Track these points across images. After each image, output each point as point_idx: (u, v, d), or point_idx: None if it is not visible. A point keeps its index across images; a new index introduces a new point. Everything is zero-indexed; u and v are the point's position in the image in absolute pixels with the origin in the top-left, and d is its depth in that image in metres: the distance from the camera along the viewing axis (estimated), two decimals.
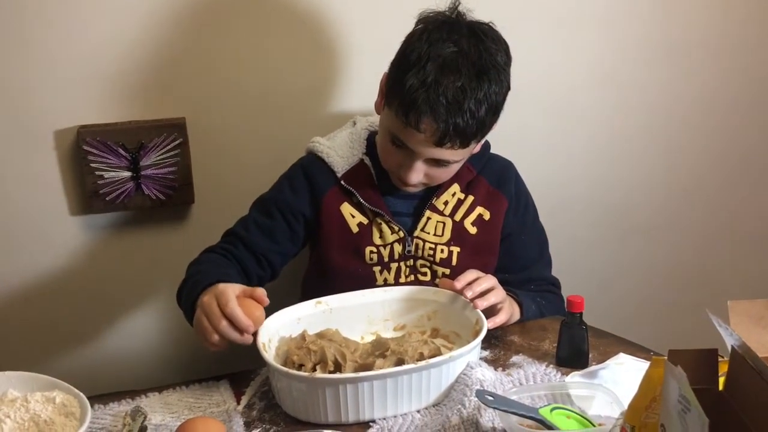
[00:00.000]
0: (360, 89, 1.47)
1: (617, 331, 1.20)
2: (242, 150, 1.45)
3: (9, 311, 1.40)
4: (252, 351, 1.06)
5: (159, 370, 1.50)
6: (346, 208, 1.24)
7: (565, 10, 1.56)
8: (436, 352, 1.03)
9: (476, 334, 1.03)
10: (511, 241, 1.29)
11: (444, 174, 1.19)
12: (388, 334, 1.14)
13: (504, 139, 1.31)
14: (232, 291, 0.99)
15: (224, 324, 0.97)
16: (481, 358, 1.07)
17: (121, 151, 1.36)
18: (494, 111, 1.13)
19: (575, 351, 1.07)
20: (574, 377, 1.04)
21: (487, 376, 1.00)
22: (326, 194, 1.24)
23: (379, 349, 1.05)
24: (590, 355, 1.08)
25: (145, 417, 0.98)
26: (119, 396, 1.04)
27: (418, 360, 1.01)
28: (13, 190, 1.36)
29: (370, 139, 1.28)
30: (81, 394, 0.92)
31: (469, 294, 1.08)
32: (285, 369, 0.97)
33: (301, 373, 0.97)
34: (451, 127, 1.08)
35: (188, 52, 1.38)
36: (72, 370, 1.30)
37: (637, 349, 1.12)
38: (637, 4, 1.60)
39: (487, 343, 1.12)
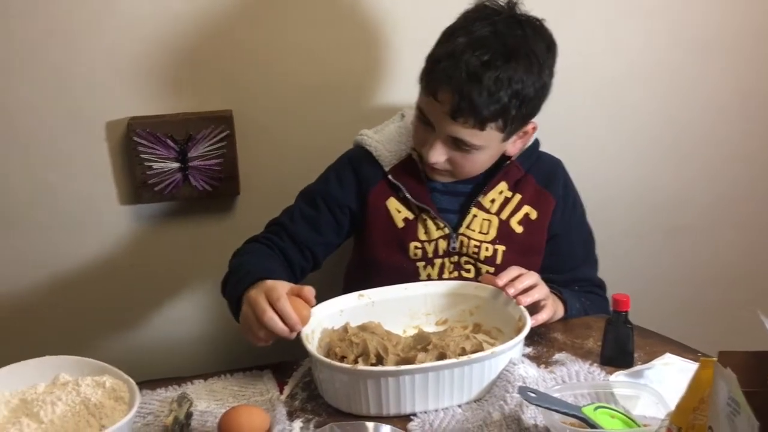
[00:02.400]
0: (407, 81, 1.43)
1: (662, 330, 1.18)
2: (287, 142, 1.47)
3: (60, 297, 1.45)
4: (295, 342, 1.07)
5: (203, 358, 1.53)
6: (393, 203, 1.24)
7: (612, 2, 1.53)
8: (478, 348, 1.03)
9: (519, 330, 1.03)
10: (558, 241, 1.27)
11: (467, 163, 1.17)
12: (429, 328, 1.14)
13: (550, 134, 1.29)
14: (281, 288, 0.99)
15: (273, 319, 0.97)
16: (523, 355, 1.07)
17: (170, 143, 1.39)
18: (520, 101, 1.09)
19: (620, 350, 1.05)
20: (619, 376, 1.02)
21: (530, 373, 0.99)
22: (373, 188, 1.24)
23: (421, 343, 1.05)
24: (635, 355, 1.07)
25: (191, 403, 1.00)
26: (166, 382, 1.06)
27: (459, 355, 1.00)
28: (66, 180, 1.40)
29: None
30: (130, 379, 0.94)
31: (512, 291, 1.07)
32: (328, 360, 0.97)
33: (344, 365, 0.97)
34: (466, 100, 1.07)
35: (236, 45, 1.39)
36: (119, 356, 1.31)
37: (683, 350, 1.10)
38: None
39: (529, 340, 1.12)
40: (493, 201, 1.24)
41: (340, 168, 1.28)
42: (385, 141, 1.27)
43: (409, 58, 1.44)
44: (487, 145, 1.14)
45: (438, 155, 1.15)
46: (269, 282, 1.01)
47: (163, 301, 1.50)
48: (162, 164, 1.40)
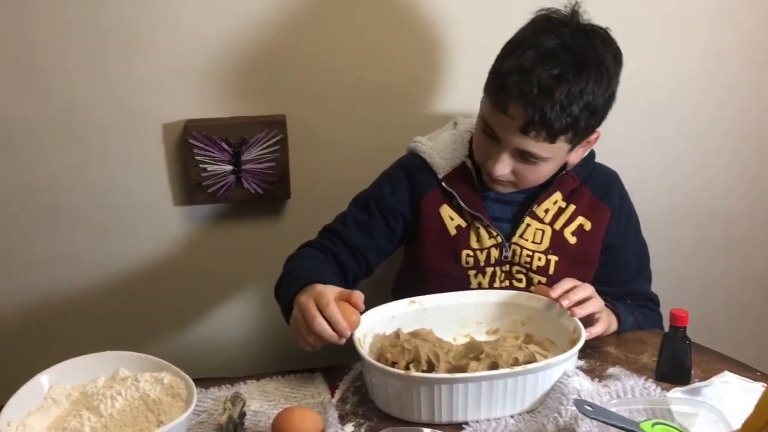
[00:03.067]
0: (461, 90, 1.47)
1: (717, 346, 1.15)
2: (339, 147, 1.48)
3: (116, 294, 1.48)
4: (346, 346, 1.07)
5: (254, 358, 1.55)
6: (446, 210, 1.24)
7: (670, 10, 1.50)
8: (531, 359, 1.02)
9: (573, 342, 1.02)
10: (612, 253, 1.25)
11: (532, 174, 1.16)
12: (480, 337, 1.13)
13: (605, 146, 1.28)
14: (330, 293, 1.00)
15: (323, 325, 0.97)
16: (577, 368, 1.05)
17: (224, 146, 1.41)
18: (590, 112, 1.09)
19: (677, 366, 1.03)
20: (676, 393, 1.00)
21: (585, 386, 0.98)
22: (426, 195, 1.25)
23: (473, 351, 1.05)
24: (692, 372, 1.05)
25: (244, 403, 1.01)
26: (219, 381, 1.08)
27: (512, 365, 1.00)
28: (123, 180, 1.43)
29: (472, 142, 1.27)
30: (187, 376, 0.95)
31: (566, 303, 1.06)
32: (381, 365, 0.98)
33: (398, 370, 0.97)
34: (538, 115, 1.06)
35: (291, 51, 1.41)
36: (172, 354, 1.34)
37: (741, 368, 1.08)
38: (745, 2, 1.54)
39: (582, 353, 1.10)
40: (547, 211, 1.23)
41: (393, 174, 1.29)
42: (439, 148, 1.27)
43: (464, 66, 1.45)
44: (555, 156, 1.14)
45: (503, 168, 1.15)
46: (319, 287, 1.02)
47: (213, 302, 1.53)
48: (216, 167, 1.43)
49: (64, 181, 1.42)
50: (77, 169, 1.41)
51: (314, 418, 0.94)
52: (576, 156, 1.20)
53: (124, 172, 1.43)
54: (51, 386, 0.95)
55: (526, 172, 1.16)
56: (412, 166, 1.27)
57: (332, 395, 1.05)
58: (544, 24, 1.11)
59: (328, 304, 0.98)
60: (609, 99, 1.12)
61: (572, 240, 1.23)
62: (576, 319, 1.05)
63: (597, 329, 1.08)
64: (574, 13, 1.12)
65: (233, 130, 1.42)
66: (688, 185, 1.63)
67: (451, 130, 1.31)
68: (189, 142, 1.40)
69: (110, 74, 1.37)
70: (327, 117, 1.47)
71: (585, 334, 1.02)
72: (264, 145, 1.43)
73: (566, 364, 1.00)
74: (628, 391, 1.02)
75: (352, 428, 0.97)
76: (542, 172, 1.17)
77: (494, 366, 1.01)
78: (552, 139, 1.09)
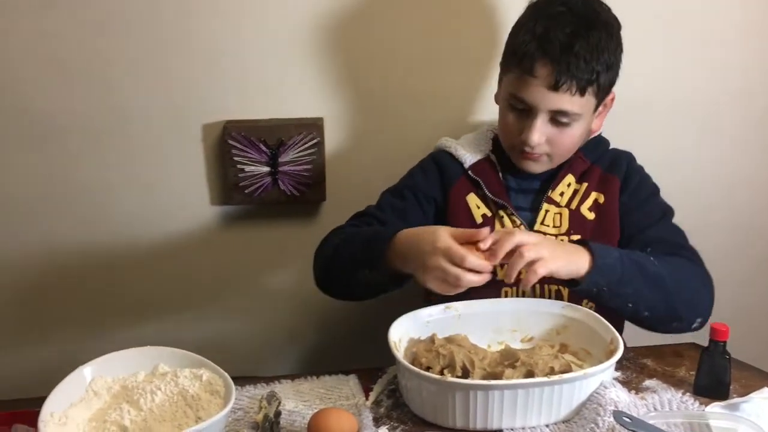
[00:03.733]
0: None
1: (757, 362, 1.14)
2: (375, 152, 1.49)
3: (151, 290, 1.50)
4: (379, 349, 1.08)
5: (288, 359, 1.56)
6: (473, 199, 1.27)
7: (708, 25, 1.50)
8: (567, 368, 1.02)
9: (610, 353, 1.01)
10: (630, 219, 1.25)
11: (566, 139, 1.19)
12: (515, 344, 1.13)
13: (648, 159, 1.29)
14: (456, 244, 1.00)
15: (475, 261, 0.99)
16: (613, 379, 1.05)
17: (262, 147, 1.43)
18: (607, 66, 1.15)
19: (716, 381, 1.02)
20: (715, 408, 0.99)
21: (622, 398, 0.97)
22: (454, 183, 1.28)
23: (509, 359, 1.05)
24: (731, 387, 1.03)
25: (280, 402, 1.02)
26: (254, 380, 1.09)
27: (547, 374, 1.00)
28: (162, 177, 1.45)
29: (495, 140, 1.31)
30: (225, 374, 0.96)
31: (493, 261, 1.01)
32: (417, 369, 0.98)
33: (433, 375, 0.98)
34: (564, 67, 1.12)
35: (329, 54, 1.42)
36: (207, 351, 1.37)
37: None
38: None
39: (618, 365, 1.09)
40: (562, 194, 1.26)
41: (424, 164, 1.33)
42: (463, 144, 1.33)
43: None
44: (585, 113, 1.18)
45: (540, 136, 1.18)
46: (442, 233, 1.02)
47: (246, 301, 1.54)
48: (253, 167, 1.44)
49: (105, 175, 1.44)
50: (121, 166, 1.43)
51: (350, 419, 0.94)
52: (599, 122, 1.25)
53: (164, 170, 1.45)
54: (93, 379, 0.97)
55: (560, 137, 1.19)
56: (440, 157, 1.32)
57: (366, 397, 1.05)
58: (541, 2, 1.20)
59: (465, 257, 0.99)
60: (618, 55, 1.18)
61: (590, 216, 1.25)
62: (613, 329, 1.05)
63: (533, 277, 1.00)
64: None
65: (271, 131, 1.43)
66: (728, 200, 1.61)
67: (475, 132, 1.36)
68: (228, 143, 1.42)
69: (154, 74, 1.39)
70: (363, 121, 1.48)
71: (623, 346, 1.01)
72: (301, 148, 1.45)
73: (603, 374, 0.99)
74: (665, 404, 1.01)
75: (386, 431, 0.98)
76: (575, 135, 1.20)
77: (530, 374, 1.01)
78: (582, 91, 1.14)
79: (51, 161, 1.41)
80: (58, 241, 1.45)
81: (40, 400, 0.92)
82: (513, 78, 1.18)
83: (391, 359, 1.02)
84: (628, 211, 1.25)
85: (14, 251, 1.44)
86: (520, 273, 1.01)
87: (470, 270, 0.98)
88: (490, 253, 1.01)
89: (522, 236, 1.02)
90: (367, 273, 1.10)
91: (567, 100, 1.15)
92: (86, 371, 0.97)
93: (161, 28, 1.37)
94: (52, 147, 1.40)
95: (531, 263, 1.00)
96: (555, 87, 1.13)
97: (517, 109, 1.19)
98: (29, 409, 0.97)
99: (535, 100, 1.16)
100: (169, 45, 1.38)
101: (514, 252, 1.01)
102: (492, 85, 1.45)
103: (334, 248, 1.19)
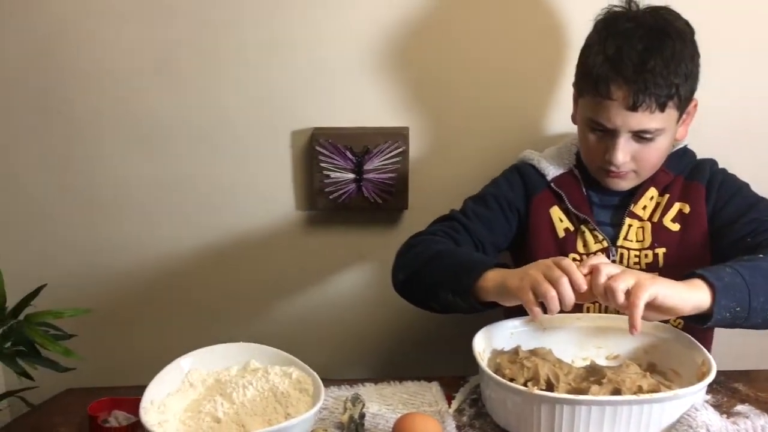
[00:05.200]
0: None
1: None
2: (458, 162, 1.50)
3: (235, 287, 1.56)
4: (462, 357, 1.09)
5: (369, 363, 1.58)
6: (556, 212, 1.26)
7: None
8: (655, 388, 1.00)
9: (702, 376, 0.99)
10: (720, 218, 1.21)
11: (652, 153, 1.17)
12: (600, 361, 1.12)
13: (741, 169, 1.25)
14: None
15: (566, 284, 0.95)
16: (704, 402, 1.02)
17: (349, 154, 1.46)
18: (685, 75, 1.12)
19: None
20: None
21: (714, 421, 0.95)
22: (537, 195, 1.28)
23: (595, 375, 1.04)
24: None
25: (364, 404, 1.04)
26: (337, 382, 1.11)
27: (635, 393, 0.98)
28: (250, 182, 1.50)
29: (579, 154, 1.29)
30: (314, 373, 0.99)
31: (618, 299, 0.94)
32: (502, 380, 0.98)
33: (520, 386, 0.97)
34: (642, 86, 1.10)
35: (416, 65, 1.44)
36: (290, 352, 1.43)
37: None
38: None
39: (707, 388, 1.06)
40: (644, 208, 1.24)
41: (508, 174, 1.33)
42: (546, 156, 1.32)
43: None
44: (668, 126, 1.16)
45: (624, 155, 1.16)
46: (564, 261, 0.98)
47: (324, 304, 1.57)
48: (339, 174, 1.47)
49: (203, 179, 1.50)
50: (214, 168, 1.49)
51: (435, 425, 0.95)
52: (683, 130, 1.22)
53: (251, 174, 1.50)
54: (189, 370, 1.01)
55: (646, 153, 1.17)
56: (524, 168, 1.32)
57: (449, 405, 1.06)
58: (608, 19, 1.18)
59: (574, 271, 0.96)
60: (696, 62, 1.15)
61: (674, 227, 1.22)
62: (705, 350, 1.02)
63: (637, 299, 0.93)
64: (632, 2, 1.19)
65: (358, 139, 1.46)
66: None
67: (558, 145, 1.35)
68: (315, 149, 1.46)
69: (246, 80, 1.44)
70: (448, 132, 1.49)
71: (715, 369, 0.99)
72: (386, 156, 1.47)
73: (695, 396, 0.97)
74: (758, 430, 0.98)
75: None
76: (661, 148, 1.18)
77: (616, 392, 0.99)
78: (662, 107, 1.12)
79: (152, 161, 1.48)
80: (147, 241, 1.52)
81: (136, 388, 0.97)
82: (589, 102, 1.17)
83: (472, 368, 1.03)
84: (716, 212, 1.22)
85: (119, 248, 1.52)
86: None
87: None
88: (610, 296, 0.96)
89: (612, 267, 0.97)
90: (450, 297, 1.09)
91: (647, 118, 1.12)
92: (184, 363, 1.01)
93: (255, 38, 1.42)
94: (153, 148, 1.47)
95: (629, 291, 0.94)
96: (633, 107, 1.11)
97: (598, 131, 1.18)
98: (127, 397, 1.02)
99: (615, 123, 1.14)
100: (261, 54, 1.43)
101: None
102: (568, 100, 1.45)
103: (420, 263, 1.15)
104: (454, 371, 1.15)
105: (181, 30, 1.41)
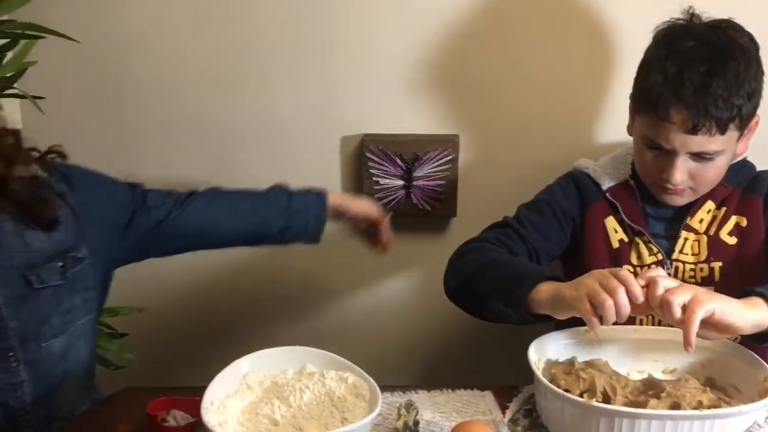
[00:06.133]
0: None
1: None
2: (507, 171, 1.50)
3: (282, 291, 1.57)
4: (515, 367, 1.08)
5: (406, 370, 1.58)
6: (611, 222, 1.25)
7: None
8: (716, 404, 0.98)
9: (766, 392, 0.97)
10: None
11: (711, 171, 1.15)
12: (656, 375, 1.10)
13: None
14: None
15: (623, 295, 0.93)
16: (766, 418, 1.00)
17: (398, 161, 1.47)
18: (748, 95, 1.10)
19: None
20: None
21: None
22: (592, 205, 1.26)
23: (653, 389, 1.02)
24: None
25: (417, 411, 1.04)
26: (391, 388, 1.11)
27: (696, 408, 0.97)
28: (299, 185, 1.51)
29: (634, 165, 1.27)
30: (371, 379, 0.99)
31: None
32: (560, 391, 0.97)
33: (579, 398, 0.97)
34: (702, 112, 1.08)
35: (467, 73, 1.45)
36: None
37: None
38: None
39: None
40: (701, 221, 1.22)
41: (563, 182, 1.31)
42: (601, 166, 1.31)
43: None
44: (728, 147, 1.14)
45: (681, 174, 1.15)
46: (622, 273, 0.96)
47: (373, 311, 1.58)
48: (388, 180, 1.48)
49: (247, 183, 1.51)
50: (267, 171, 1.49)
51: None
52: (744, 145, 1.19)
53: (302, 178, 1.50)
54: (247, 373, 1.02)
55: (703, 172, 1.16)
56: (579, 177, 1.30)
57: (503, 414, 1.06)
58: (669, 35, 1.15)
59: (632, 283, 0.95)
60: (760, 79, 1.13)
61: (731, 241, 1.20)
62: (767, 366, 1.00)
63: (693, 314, 0.91)
64: (694, 15, 1.15)
65: (407, 146, 1.47)
66: None
67: (613, 154, 1.33)
68: (365, 155, 1.47)
69: (298, 87, 1.47)
70: (498, 140, 1.49)
71: None
72: (435, 163, 1.47)
73: (758, 413, 0.95)
74: None
75: None
76: (719, 167, 1.16)
77: (675, 406, 0.98)
78: (722, 130, 1.10)
79: (206, 166, 1.50)
80: None
81: (192, 389, 0.98)
82: (647, 121, 1.15)
83: (523, 378, 1.02)
84: None
85: None
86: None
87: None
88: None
89: (669, 280, 0.97)
90: (502, 307, 1.08)
91: (707, 141, 1.10)
92: (242, 365, 1.02)
93: (307, 46, 1.44)
94: (206, 154, 1.50)
95: (685, 306, 0.93)
96: (693, 131, 1.09)
97: (654, 149, 1.16)
98: (184, 397, 1.03)
99: (673, 145, 1.12)
100: (313, 61, 1.45)
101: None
102: (618, 108, 1.44)
103: (473, 271, 1.15)
104: (504, 380, 1.14)
105: (235, 38, 1.44)
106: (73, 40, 1.22)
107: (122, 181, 1.17)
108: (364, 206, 1.31)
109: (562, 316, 1.03)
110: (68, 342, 1.06)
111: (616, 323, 0.96)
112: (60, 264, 1.03)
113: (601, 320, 0.95)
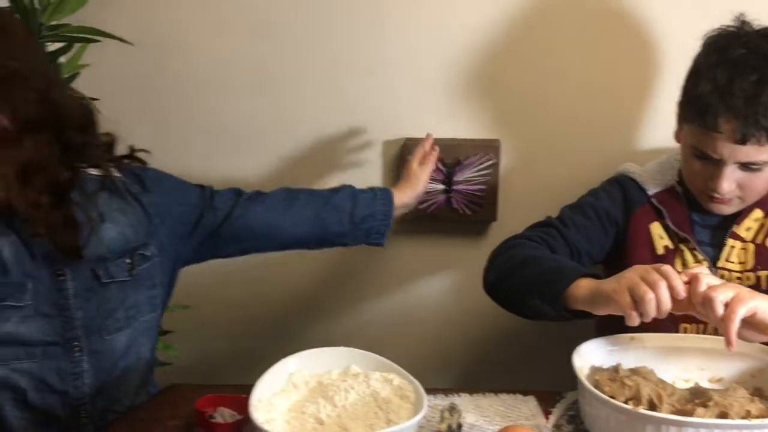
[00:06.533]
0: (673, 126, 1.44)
1: None
2: (548, 177, 1.50)
3: (320, 292, 1.59)
4: (559, 373, 1.08)
5: (440, 374, 1.58)
6: (656, 228, 1.24)
7: None
8: (764, 414, 0.97)
9: None
10: None
11: (757, 182, 1.14)
12: (702, 384, 1.09)
13: None
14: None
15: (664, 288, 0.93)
16: None
17: (439, 165, 1.47)
18: None
19: None
20: None
21: None
22: (638, 210, 1.25)
23: (699, 397, 1.01)
24: None
25: (460, 414, 1.04)
26: (434, 391, 1.11)
27: (744, 418, 0.95)
28: None
29: (681, 171, 1.26)
30: (416, 381, 0.99)
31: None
32: (607, 398, 0.97)
33: (626, 405, 0.96)
34: (752, 122, 1.06)
35: (508, 79, 1.46)
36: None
37: None
38: None
39: None
40: (748, 229, 1.21)
41: (608, 186, 1.30)
42: (647, 171, 1.29)
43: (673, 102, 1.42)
44: None
45: (729, 184, 1.14)
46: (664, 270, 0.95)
47: (411, 314, 1.58)
48: (429, 184, 1.48)
49: (289, 184, 1.53)
50: (309, 176, 1.52)
51: None
52: None
53: (342, 182, 1.52)
54: (293, 372, 1.03)
55: (751, 182, 1.14)
56: (625, 181, 1.29)
57: (546, 420, 1.05)
58: (719, 42, 1.13)
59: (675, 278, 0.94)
60: None
61: None
62: None
63: (734, 314, 0.90)
64: (744, 23, 1.13)
65: (449, 151, 1.47)
66: None
67: (659, 160, 1.32)
68: (407, 159, 1.47)
69: (341, 91, 1.48)
70: (539, 146, 1.49)
71: None
72: (476, 168, 1.48)
73: None
74: None
75: None
76: (767, 176, 1.15)
77: (723, 416, 0.96)
78: None
79: (251, 167, 1.53)
80: None
81: (239, 387, 1.00)
82: (695, 130, 1.14)
83: (565, 384, 1.02)
84: None
85: None
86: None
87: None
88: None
89: (713, 278, 0.96)
90: (538, 302, 1.08)
91: (756, 151, 1.09)
92: (289, 364, 1.03)
93: (351, 51, 1.46)
94: (248, 155, 1.52)
95: (727, 304, 0.93)
96: (742, 141, 1.08)
97: (701, 158, 1.15)
98: (230, 394, 1.05)
99: (721, 155, 1.11)
100: (357, 66, 1.47)
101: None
102: (661, 114, 1.43)
103: (512, 266, 1.15)
104: (543, 386, 1.14)
105: (283, 44, 1.46)
106: (128, 42, 1.25)
107: (192, 183, 1.21)
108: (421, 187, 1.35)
109: (600, 312, 1.02)
110: (131, 337, 1.10)
111: (656, 321, 0.95)
112: (128, 261, 1.07)
113: (641, 315, 0.94)
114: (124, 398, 1.11)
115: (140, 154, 1.15)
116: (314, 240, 1.28)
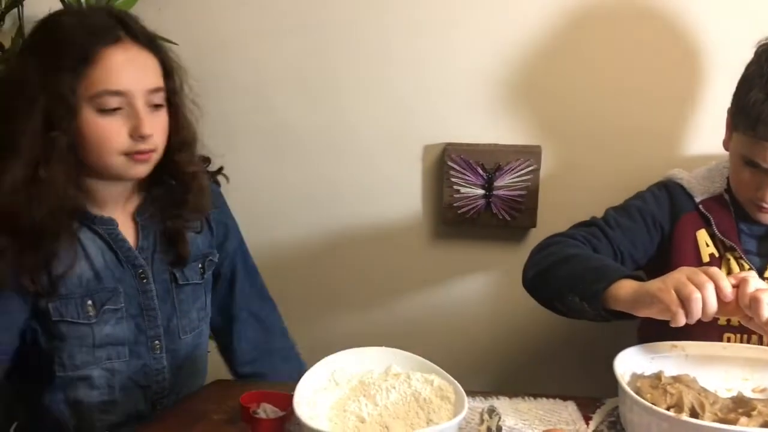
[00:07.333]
0: (717, 134, 1.42)
1: None
2: (589, 183, 1.49)
3: (360, 292, 1.61)
4: (599, 379, 1.08)
5: (477, 378, 1.58)
6: (702, 235, 1.23)
7: None
8: None
9: None
10: None
11: None
12: (746, 393, 1.08)
13: None
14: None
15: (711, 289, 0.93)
16: None
17: (480, 170, 1.48)
18: None
19: None
20: None
21: None
22: (683, 216, 1.25)
23: (743, 407, 1.00)
24: None
25: (500, 417, 1.05)
26: (473, 393, 1.12)
27: None
28: (380, 191, 1.55)
29: (730, 179, 1.25)
30: (456, 382, 1.00)
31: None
32: (649, 405, 0.96)
33: (669, 412, 0.95)
34: None
35: (550, 85, 1.46)
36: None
37: None
38: None
39: None
40: None
41: (655, 190, 1.30)
42: (696, 177, 1.28)
43: (720, 110, 1.41)
44: None
45: None
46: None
47: (449, 318, 1.59)
48: (469, 189, 1.50)
49: (339, 187, 1.56)
50: (350, 177, 1.55)
51: None
52: None
53: (382, 185, 1.55)
54: (335, 370, 1.05)
55: None
56: (672, 186, 1.28)
57: (586, 425, 1.05)
58: None
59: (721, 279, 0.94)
60: None
61: None
62: None
63: None
64: None
65: (489, 156, 1.48)
66: None
67: (708, 166, 1.31)
68: (447, 164, 1.49)
69: (382, 95, 1.50)
70: (579, 152, 1.49)
71: None
72: (517, 174, 1.48)
73: None
74: None
75: None
76: None
77: (766, 426, 0.96)
78: None
79: (292, 168, 1.55)
80: (288, 245, 1.59)
81: (281, 384, 1.02)
82: (745, 139, 1.14)
83: (605, 390, 1.01)
84: None
85: (257, 246, 1.60)
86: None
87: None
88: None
89: (761, 282, 0.95)
90: (577, 300, 1.08)
91: None
92: (331, 362, 1.04)
93: (393, 54, 1.48)
94: (295, 156, 1.55)
95: None
96: None
97: (752, 166, 1.14)
98: (273, 391, 1.07)
99: None
100: (398, 70, 1.49)
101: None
102: (713, 120, 1.42)
103: (551, 262, 1.15)
104: (582, 392, 1.14)
105: (324, 48, 1.49)
106: (173, 42, 1.29)
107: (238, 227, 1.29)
108: None
109: (642, 313, 1.00)
110: (199, 336, 1.20)
111: (700, 329, 0.95)
112: (200, 265, 1.18)
113: (687, 315, 0.93)
114: (188, 392, 1.20)
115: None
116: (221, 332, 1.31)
